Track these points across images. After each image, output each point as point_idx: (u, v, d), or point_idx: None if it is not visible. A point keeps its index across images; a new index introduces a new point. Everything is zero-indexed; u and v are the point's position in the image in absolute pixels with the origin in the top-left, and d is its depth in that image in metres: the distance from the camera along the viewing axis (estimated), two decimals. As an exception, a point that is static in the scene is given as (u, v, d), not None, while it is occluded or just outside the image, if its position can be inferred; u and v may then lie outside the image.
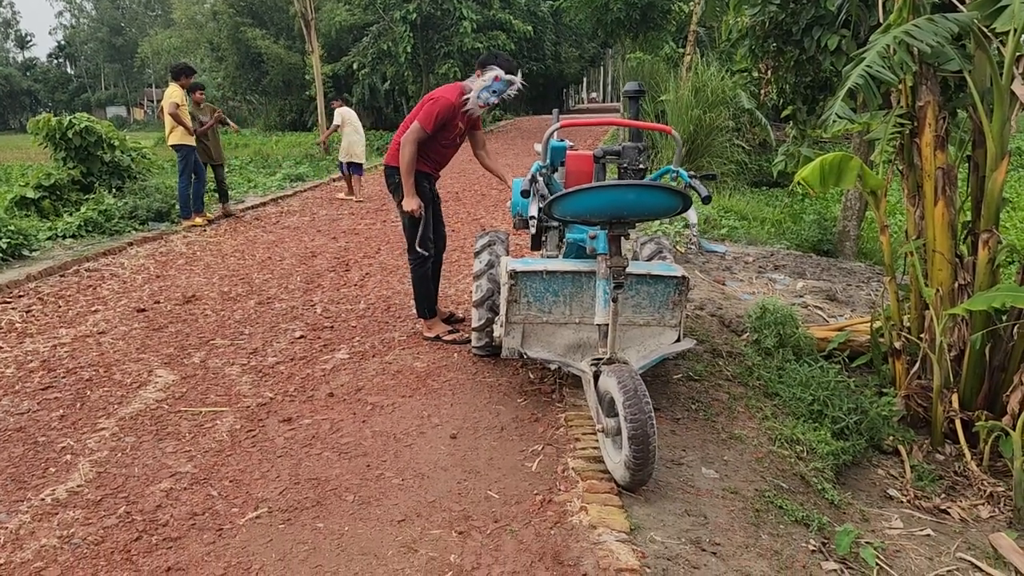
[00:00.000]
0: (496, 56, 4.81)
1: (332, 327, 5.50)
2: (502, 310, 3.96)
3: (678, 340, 3.97)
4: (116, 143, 10.39)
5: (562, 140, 4.45)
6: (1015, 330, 4.89)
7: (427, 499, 3.17)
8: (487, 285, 4.56)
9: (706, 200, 3.60)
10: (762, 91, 11.20)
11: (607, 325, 3.43)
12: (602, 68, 64.41)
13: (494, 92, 4.73)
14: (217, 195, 10.55)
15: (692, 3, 17.99)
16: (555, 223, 4.62)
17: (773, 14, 10.33)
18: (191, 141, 9.36)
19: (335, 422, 3.93)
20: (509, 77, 4.71)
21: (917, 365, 5.16)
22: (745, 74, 16.27)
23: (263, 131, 40.62)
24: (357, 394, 4.30)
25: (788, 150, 11.12)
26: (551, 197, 3.24)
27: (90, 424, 3.90)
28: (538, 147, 4.95)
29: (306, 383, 4.46)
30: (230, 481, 3.33)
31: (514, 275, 3.77)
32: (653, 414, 3.05)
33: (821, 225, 10.95)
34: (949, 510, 4.15)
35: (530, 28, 28.03)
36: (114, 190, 10.06)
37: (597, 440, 3.57)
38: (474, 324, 4.65)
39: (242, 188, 13.11)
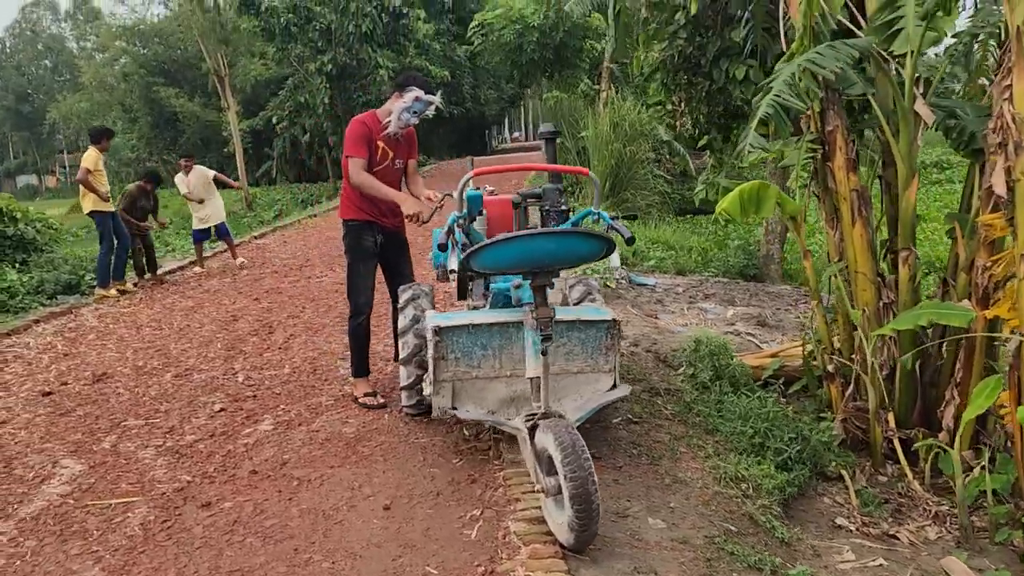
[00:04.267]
0: (414, 77, 4.71)
1: (255, 396, 5.22)
2: (430, 368, 3.79)
3: (614, 386, 3.85)
4: (19, 215, 9.91)
5: (478, 188, 4.33)
6: (943, 346, 4.93)
7: (360, 582, 2.95)
8: (414, 341, 4.38)
9: (630, 241, 3.52)
10: (677, 122, 11.40)
11: (539, 378, 3.29)
12: (522, 108, 65.17)
13: (414, 113, 4.64)
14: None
15: (604, 41, 18.34)
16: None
17: (681, 47, 10.54)
18: (107, 207, 8.95)
19: (258, 503, 3.67)
20: (428, 97, 4.62)
21: (851, 387, 5.16)
22: (659, 107, 16.62)
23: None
24: (282, 468, 4.04)
25: (708, 179, 11.31)
26: (468, 250, 3.10)
27: (-15, 530, 3.56)
28: (456, 194, 4.84)
29: (227, 461, 4.18)
30: (143, 582, 3.05)
31: (439, 331, 3.61)
32: (594, 470, 2.91)
33: (745, 250, 11.11)
34: (898, 535, 4.10)
35: (447, 73, 28.18)
36: (18, 264, 9.55)
37: (539, 500, 3.41)
38: (403, 383, 4.46)
39: (159, 252, 12.61)
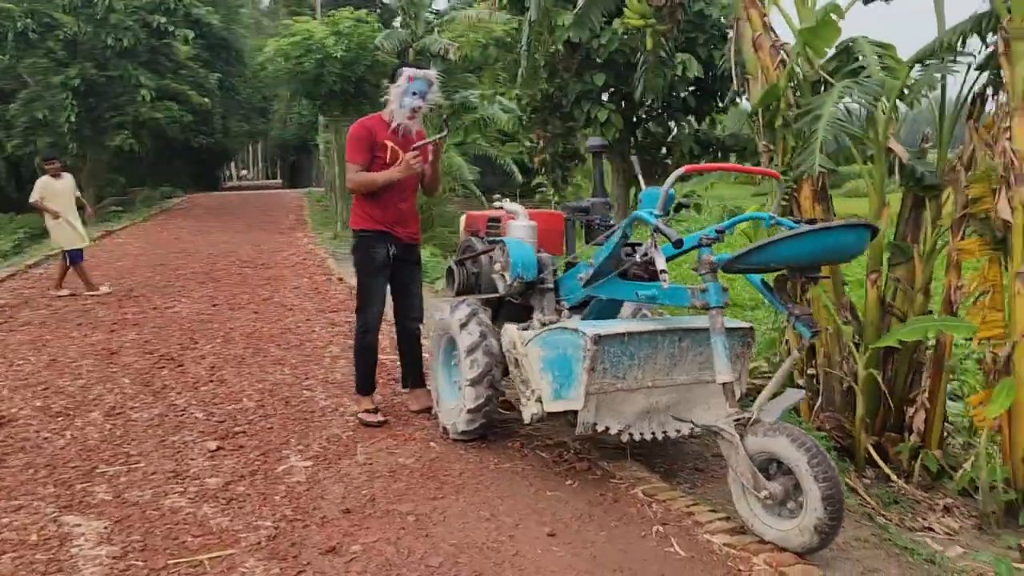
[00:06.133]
0: (401, 62, 4.44)
1: (244, 432, 4.45)
2: (568, 381, 3.49)
3: (743, 395, 3.82)
4: None
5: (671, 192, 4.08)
6: (895, 359, 5.53)
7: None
8: (484, 359, 4.04)
9: None
10: (536, 159, 11.71)
11: (732, 383, 3.19)
12: (259, 146, 62.55)
13: (414, 94, 4.30)
14: None
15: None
16: (549, 286, 4.25)
17: (543, 88, 10.89)
18: None
19: (394, 542, 3.13)
20: (422, 72, 4.31)
21: (820, 398, 5.58)
22: (457, 147, 17.01)
23: None
24: (375, 504, 3.49)
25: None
26: (755, 244, 2.94)
27: (57, 609, 2.66)
28: (507, 206, 4.61)
29: (297, 502, 3.52)
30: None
31: (598, 340, 3.36)
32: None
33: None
34: (933, 527, 4.49)
35: (207, 100, 26.38)
36: None
37: (714, 511, 3.30)
38: (470, 405, 4.07)
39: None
